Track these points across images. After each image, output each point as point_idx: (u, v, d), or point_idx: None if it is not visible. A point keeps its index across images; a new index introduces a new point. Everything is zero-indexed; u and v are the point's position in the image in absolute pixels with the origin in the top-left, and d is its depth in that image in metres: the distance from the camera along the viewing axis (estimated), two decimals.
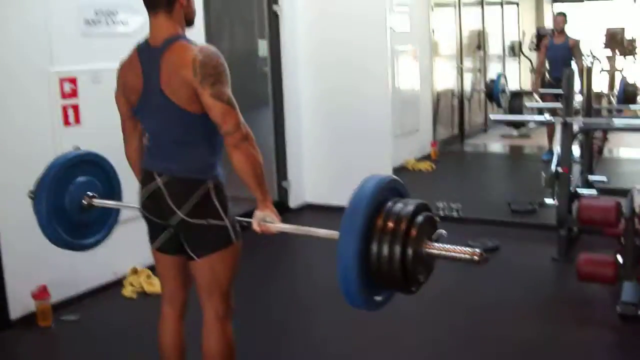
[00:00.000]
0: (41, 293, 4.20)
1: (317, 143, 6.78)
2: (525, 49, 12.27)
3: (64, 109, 4.37)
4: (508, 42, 12.32)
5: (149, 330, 3.54)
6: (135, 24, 4.74)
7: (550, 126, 8.65)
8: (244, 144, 2.57)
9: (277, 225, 2.67)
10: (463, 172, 9.19)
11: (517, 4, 12.61)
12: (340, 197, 6.65)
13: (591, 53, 10.10)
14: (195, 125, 2.65)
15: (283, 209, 6.44)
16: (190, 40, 2.67)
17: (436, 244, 2.25)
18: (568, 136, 5.20)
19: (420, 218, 2.24)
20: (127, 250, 4.57)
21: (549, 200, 5.51)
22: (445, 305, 4.37)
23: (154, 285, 4.54)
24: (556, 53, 8.55)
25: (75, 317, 4.29)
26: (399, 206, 2.25)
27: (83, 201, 3.16)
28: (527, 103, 9.20)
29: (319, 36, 6.63)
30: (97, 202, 3.18)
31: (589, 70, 6.15)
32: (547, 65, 8.90)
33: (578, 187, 5.56)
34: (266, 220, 2.65)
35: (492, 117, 8.33)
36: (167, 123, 2.68)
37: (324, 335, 3.95)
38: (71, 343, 4.08)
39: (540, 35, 11.64)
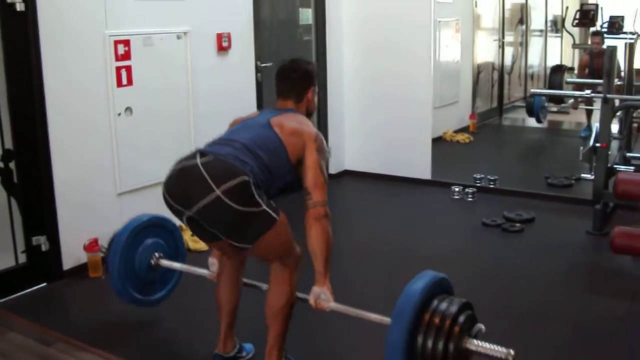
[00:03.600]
0: (92, 245, 4.39)
1: (357, 111, 6.87)
2: (567, 25, 12.15)
3: (118, 70, 4.52)
4: (551, 17, 12.21)
5: (193, 283, 3.73)
6: None
7: (589, 103, 8.64)
8: (325, 220, 2.78)
9: (331, 305, 2.86)
10: (501, 145, 9.22)
11: None
12: (379, 165, 6.86)
13: (634, 29, 9.99)
14: (278, 157, 2.82)
15: None
16: None
17: (475, 341, 2.51)
18: (608, 112, 5.23)
19: (462, 317, 2.52)
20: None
21: (585, 175, 5.56)
22: (480, 272, 4.47)
23: (199, 242, 4.69)
24: (597, 61, 8.37)
25: None
26: (444, 305, 2.53)
27: (151, 261, 3.56)
28: (568, 79, 9.17)
29: (362, 5, 6.70)
30: (164, 262, 3.58)
31: (631, 46, 6.14)
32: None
33: (615, 163, 5.61)
34: (321, 297, 2.83)
35: (533, 91, 8.33)
36: (255, 136, 2.85)
37: None
38: None
39: (583, 11, 11.50)
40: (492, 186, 6.30)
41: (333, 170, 6.84)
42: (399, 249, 4.93)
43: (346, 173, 6.98)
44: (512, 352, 2.44)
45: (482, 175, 6.38)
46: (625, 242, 4.23)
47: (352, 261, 4.61)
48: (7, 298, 4.09)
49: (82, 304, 4.17)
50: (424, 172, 6.53)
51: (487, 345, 2.48)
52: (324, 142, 2.92)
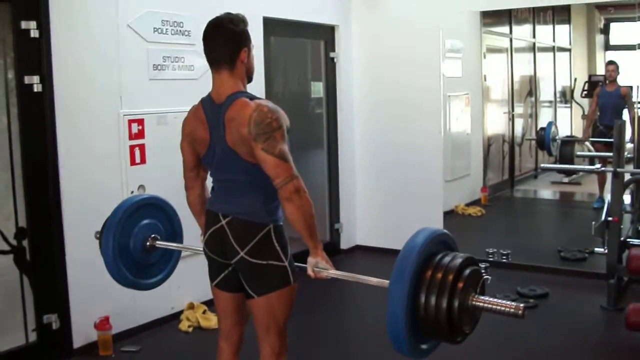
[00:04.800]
0: (103, 324, 4.38)
1: (369, 186, 6.92)
2: (576, 96, 12.24)
3: (132, 149, 4.59)
4: (559, 88, 12.31)
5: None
6: (201, 69, 4.98)
7: (601, 174, 8.63)
8: (295, 196, 2.69)
9: (330, 272, 2.79)
10: (513, 217, 9.19)
11: (570, 50, 12.62)
12: (391, 240, 6.85)
13: None
14: (256, 175, 2.78)
15: (335, 251, 6.58)
16: (251, 95, 2.84)
17: (481, 297, 2.33)
18: (619, 186, 5.24)
19: (467, 271, 2.33)
20: (185, 286, 4.75)
21: (599, 249, 5.52)
22: (491, 350, 4.42)
23: (210, 320, 4.69)
24: (607, 101, 8.54)
25: (135, 348, 4.46)
26: (447, 259, 2.35)
27: (146, 243, 3.32)
28: (578, 152, 9.20)
29: (373, 82, 6.82)
30: (160, 244, 3.34)
31: None
32: (597, 112, 8.89)
33: (629, 237, 5.58)
34: (319, 266, 2.78)
35: (543, 166, 8.37)
36: (232, 171, 2.85)
37: None
38: None
39: (592, 82, 11.60)
40: (504, 260, 6.27)
41: (345, 245, 6.85)
42: None
43: (358, 248, 6.97)
44: (521, 305, 2.28)
45: (495, 250, 6.36)
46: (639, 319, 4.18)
47: (363, 342, 4.56)
48: None
49: None
50: None
51: (494, 300, 2.31)
52: (264, 116, 2.68)
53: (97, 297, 4.43)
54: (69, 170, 4.25)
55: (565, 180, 10.36)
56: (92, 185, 4.41)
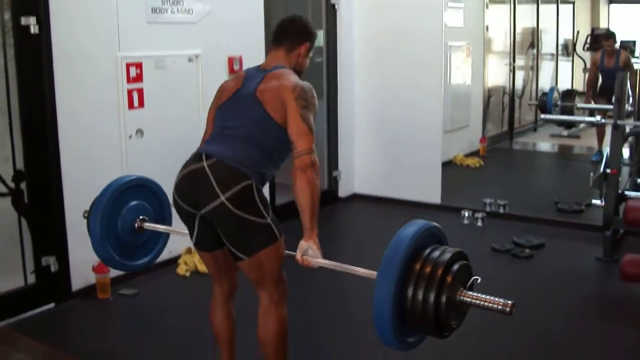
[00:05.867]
0: (101, 267, 4.40)
1: (368, 134, 6.90)
2: (578, 49, 12.17)
3: (130, 93, 4.56)
4: (562, 41, 12.24)
5: (200, 307, 3.72)
6: (199, 12, 4.93)
7: (600, 127, 8.61)
8: (310, 170, 2.70)
9: (318, 261, 2.73)
10: (511, 169, 9.21)
11: (573, 3, 12.51)
12: (389, 189, 6.85)
13: None
14: (270, 131, 2.80)
15: (332, 198, 6.59)
16: None
17: (470, 293, 2.29)
18: (618, 138, 5.22)
19: (456, 266, 2.28)
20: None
21: (596, 201, 5.54)
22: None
23: None
24: (609, 81, 8.38)
25: (133, 291, 4.50)
26: (436, 253, 2.30)
27: (135, 224, 3.26)
28: (579, 104, 9.17)
29: (374, 30, 6.74)
30: (148, 225, 3.28)
31: None
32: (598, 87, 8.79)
33: (626, 189, 5.59)
34: (309, 252, 2.73)
35: (543, 116, 8.31)
36: (243, 119, 2.84)
37: None
38: (127, 315, 4.29)
39: (594, 36, 11.52)
40: (501, 211, 6.29)
41: (343, 193, 6.86)
42: None
43: (356, 197, 6.98)
44: (509, 302, 2.24)
45: (492, 200, 6.37)
46: (634, 270, 4.21)
47: (358, 285, 4.59)
48: (16, 318, 4.10)
49: (89, 325, 4.18)
50: (433, 196, 6.53)
51: (483, 296, 2.27)
52: (308, 90, 2.83)
53: None
54: (67, 113, 4.22)
55: (565, 133, 10.37)
56: (90, 128, 4.39)
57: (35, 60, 4.08)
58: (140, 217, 3.28)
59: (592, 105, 8.46)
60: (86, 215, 3.26)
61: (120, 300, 4.40)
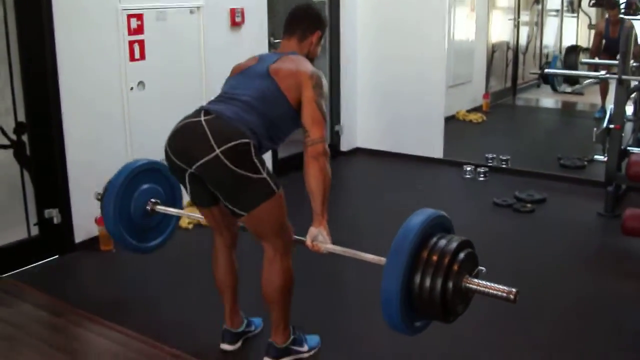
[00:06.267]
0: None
1: (370, 89, 6.86)
2: (584, 5, 12.04)
3: (131, 44, 4.52)
4: None
5: (202, 260, 3.74)
6: None
7: (604, 84, 8.56)
8: (322, 158, 2.74)
9: (327, 246, 2.77)
10: (514, 125, 9.18)
11: None
12: (391, 144, 6.84)
13: None
14: (278, 105, 2.80)
15: (335, 152, 6.57)
16: None
17: (475, 280, 2.36)
18: (623, 93, 5.19)
19: (462, 254, 2.36)
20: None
21: (598, 157, 5.53)
22: (489, 251, 4.46)
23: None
24: (612, 48, 8.29)
25: None
26: (443, 242, 2.38)
27: (147, 207, 3.38)
28: (583, 59, 9.09)
29: None
30: (160, 208, 3.39)
31: None
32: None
33: (629, 145, 5.58)
34: (318, 238, 2.76)
35: (547, 71, 8.24)
36: (255, 89, 2.83)
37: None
38: (129, 267, 4.30)
39: None
40: (504, 166, 6.29)
41: (345, 147, 6.85)
42: None
43: (358, 150, 6.97)
44: (513, 290, 2.29)
45: (494, 155, 6.37)
46: (636, 225, 4.21)
47: (360, 238, 4.61)
48: (20, 270, 4.13)
49: (93, 276, 4.22)
50: (436, 150, 6.52)
51: (487, 283, 2.34)
52: (322, 79, 2.88)
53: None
54: (67, 65, 4.19)
55: (568, 90, 10.31)
56: (91, 80, 4.36)
57: (35, 12, 4.03)
58: (152, 200, 3.39)
59: (597, 60, 8.38)
60: (99, 197, 3.39)
61: (123, 252, 4.40)
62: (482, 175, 6.02)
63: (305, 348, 3.10)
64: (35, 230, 4.26)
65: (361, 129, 6.96)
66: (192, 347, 3.20)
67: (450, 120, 7.49)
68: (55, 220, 4.29)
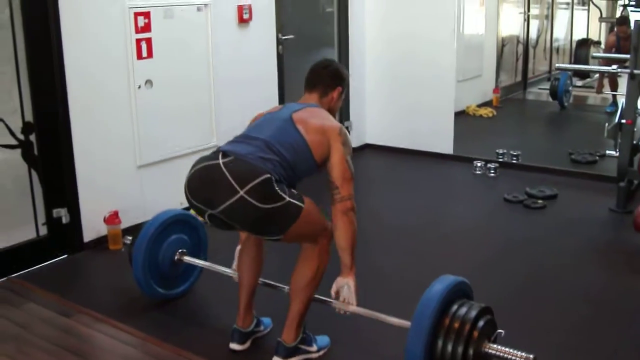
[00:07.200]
0: (112, 218, 4.41)
1: (380, 84, 6.82)
2: None
3: (138, 43, 4.50)
4: None
5: (213, 257, 3.73)
6: None
7: (612, 77, 8.49)
8: (351, 213, 2.81)
9: (352, 308, 2.90)
10: (524, 119, 9.12)
11: None
12: (401, 139, 6.81)
13: None
14: (299, 155, 2.81)
15: None
16: None
17: (495, 345, 2.53)
18: (635, 88, 5.12)
19: (482, 322, 2.52)
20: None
21: (610, 152, 5.48)
22: (500, 249, 4.44)
23: None
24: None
25: None
26: (464, 309, 2.54)
27: (174, 257, 3.58)
28: (594, 53, 9.01)
29: None
30: (187, 259, 3.60)
31: None
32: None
33: None
34: (344, 289, 2.86)
35: (558, 66, 8.21)
36: (276, 134, 2.83)
37: None
38: None
39: None
40: (514, 161, 6.24)
41: (355, 143, 6.77)
42: (420, 222, 4.92)
43: (367, 146, 6.94)
44: (531, 356, 2.44)
45: (505, 151, 6.32)
46: None
47: (372, 236, 4.58)
48: (28, 270, 4.12)
49: (102, 276, 4.20)
50: (446, 146, 6.48)
51: (506, 349, 2.50)
52: (348, 134, 2.93)
53: (106, 192, 4.46)
54: (75, 64, 4.17)
55: (579, 83, 10.23)
56: (99, 79, 4.34)
57: (41, 10, 4.01)
58: (180, 250, 3.60)
59: (607, 54, 8.30)
60: (129, 244, 3.61)
61: None
62: (492, 171, 5.97)
63: (315, 348, 3.08)
64: (43, 230, 4.25)
65: (370, 124, 6.93)
66: (201, 347, 3.19)
67: (460, 115, 7.44)
68: (64, 220, 4.29)
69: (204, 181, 2.74)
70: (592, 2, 11.87)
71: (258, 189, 2.62)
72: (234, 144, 2.85)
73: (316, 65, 3.15)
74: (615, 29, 8.52)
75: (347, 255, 2.83)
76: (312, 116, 2.91)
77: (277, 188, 2.67)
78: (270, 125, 2.89)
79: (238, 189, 2.62)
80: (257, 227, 2.77)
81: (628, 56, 5.41)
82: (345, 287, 2.86)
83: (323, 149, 2.83)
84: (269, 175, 2.65)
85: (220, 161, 2.71)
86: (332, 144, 2.83)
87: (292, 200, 2.71)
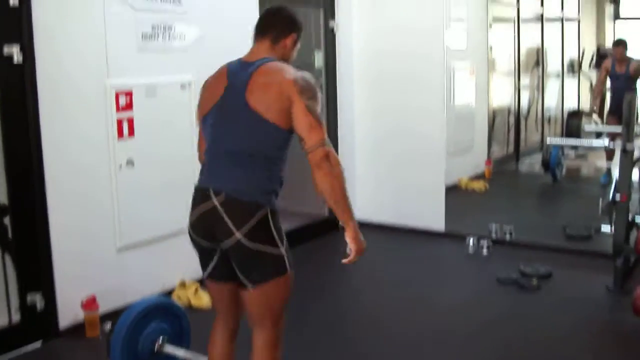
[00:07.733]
0: (90, 303, 4.24)
1: (369, 159, 6.74)
2: (584, 67, 12.03)
3: (119, 122, 4.40)
4: (567, 59, 12.08)
5: (193, 342, 3.57)
6: (191, 38, 4.79)
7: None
8: (325, 163, 2.58)
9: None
10: (517, 192, 9.02)
11: (578, 21, 12.37)
12: (391, 216, 6.66)
13: None
14: (270, 138, 2.64)
15: (332, 226, 6.40)
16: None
17: None
18: (628, 162, 5.03)
19: None
20: (176, 263, 4.61)
21: (605, 227, 5.35)
22: (496, 331, 4.28)
23: (201, 299, 4.55)
24: (618, 85, 8.30)
25: None
26: None
27: (154, 346, 3.44)
28: (586, 126, 8.99)
29: (374, 51, 6.61)
30: (168, 349, 3.45)
31: None
32: (607, 89, 8.66)
33: (637, 214, 5.39)
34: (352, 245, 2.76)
35: (549, 140, 8.16)
36: (239, 131, 2.66)
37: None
38: None
39: (600, 54, 11.39)
40: (507, 238, 6.11)
41: None
42: (410, 304, 4.75)
43: (358, 223, 6.78)
44: None
45: (498, 226, 6.19)
46: None
47: (360, 320, 4.42)
48: (1, 358, 3.94)
49: None
50: (437, 223, 6.35)
51: None
52: (308, 79, 2.67)
53: (84, 275, 4.30)
54: (53, 144, 4.07)
55: (571, 154, 10.18)
56: (78, 159, 4.24)
57: (19, 91, 3.93)
58: (160, 338, 3.46)
59: (600, 127, 8.30)
60: (108, 331, 3.50)
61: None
62: (485, 249, 5.83)
63: None
64: (17, 316, 4.08)
65: (360, 200, 6.77)
66: None
67: (452, 189, 7.32)
68: (39, 306, 4.12)
69: (206, 225, 2.70)
70: (582, 72, 11.95)
71: (253, 229, 2.60)
72: (215, 174, 2.72)
73: (267, 11, 2.92)
74: (612, 50, 8.60)
75: (335, 209, 2.67)
76: (264, 77, 2.66)
77: (273, 227, 2.64)
78: (235, 126, 2.68)
79: (235, 231, 2.60)
80: (245, 265, 2.67)
81: (619, 129, 5.33)
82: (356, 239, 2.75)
83: (287, 113, 2.60)
84: (265, 210, 2.62)
85: (215, 203, 2.64)
86: (292, 100, 2.59)
87: (285, 255, 2.68)
